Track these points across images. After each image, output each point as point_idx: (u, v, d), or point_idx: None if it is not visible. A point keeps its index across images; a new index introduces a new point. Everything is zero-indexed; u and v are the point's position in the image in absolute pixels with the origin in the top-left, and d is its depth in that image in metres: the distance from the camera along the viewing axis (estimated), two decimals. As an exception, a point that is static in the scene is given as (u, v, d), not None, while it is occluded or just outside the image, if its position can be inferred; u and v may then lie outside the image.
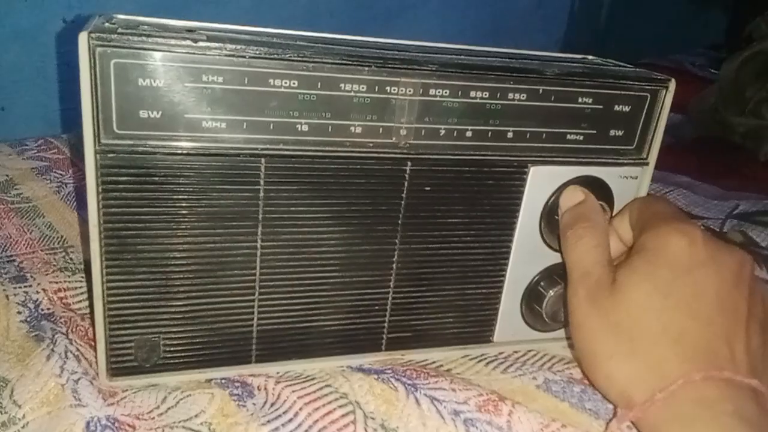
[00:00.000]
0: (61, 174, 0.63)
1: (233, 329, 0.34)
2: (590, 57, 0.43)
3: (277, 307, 0.35)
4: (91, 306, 0.39)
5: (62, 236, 0.51)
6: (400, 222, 0.35)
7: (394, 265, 0.36)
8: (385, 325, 0.37)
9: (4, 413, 0.32)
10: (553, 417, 0.33)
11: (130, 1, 0.71)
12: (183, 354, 0.34)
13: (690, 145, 0.84)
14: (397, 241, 0.35)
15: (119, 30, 0.28)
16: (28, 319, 0.39)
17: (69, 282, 0.43)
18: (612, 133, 0.38)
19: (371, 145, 0.33)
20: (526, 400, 0.35)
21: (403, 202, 0.35)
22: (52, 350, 0.35)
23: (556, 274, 0.39)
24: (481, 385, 0.36)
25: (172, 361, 0.34)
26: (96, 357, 0.34)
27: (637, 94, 0.37)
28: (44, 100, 0.73)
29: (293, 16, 0.90)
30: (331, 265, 0.35)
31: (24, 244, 0.49)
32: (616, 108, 0.37)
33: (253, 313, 0.34)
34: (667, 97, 0.38)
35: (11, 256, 0.47)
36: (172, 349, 0.34)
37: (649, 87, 0.37)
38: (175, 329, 0.33)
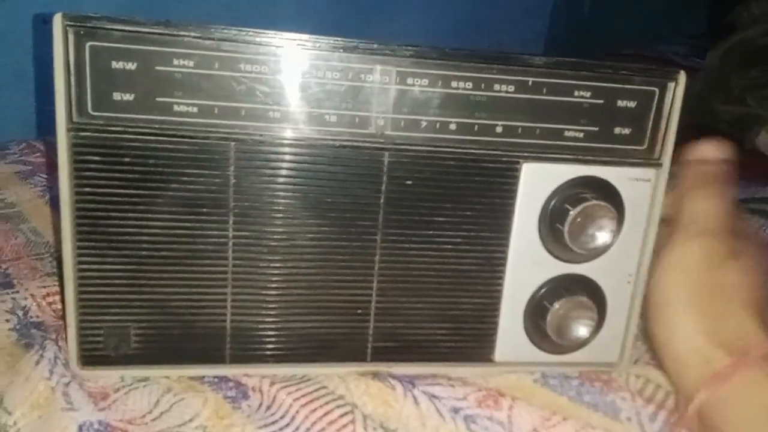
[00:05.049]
0: (45, 177, 0.61)
1: (206, 324, 0.33)
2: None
3: (251, 304, 0.34)
4: (62, 291, 0.38)
5: (48, 241, 0.50)
6: (380, 218, 0.34)
7: (375, 266, 0.34)
8: (370, 332, 0.35)
9: None
10: (553, 410, 0.34)
11: (108, 2, 0.66)
12: (154, 347, 0.33)
13: (676, 133, 0.83)
14: (377, 238, 0.34)
15: (91, 14, 0.30)
16: (17, 327, 0.38)
17: (57, 287, 0.42)
18: (617, 130, 0.35)
19: (347, 134, 0.32)
20: (524, 395, 0.35)
21: (382, 197, 0.33)
22: (41, 355, 0.35)
23: (563, 287, 0.36)
24: (478, 383, 0.36)
25: (143, 353, 0.33)
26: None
27: (642, 88, 0.35)
28: (23, 103, 0.71)
29: (277, 13, 0.89)
30: (307, 261, 0.34)
31: (9, 250, 0.48)
32: (620, 103, 0.35)
33: (226, 308, 0.33)
34: (678, 91, 0.35)
35: (-3, 262, 0.45)
36: (143, 340, 0.33)
37: (656, 80, 0.35)
38: (146, 319, 0.33)
